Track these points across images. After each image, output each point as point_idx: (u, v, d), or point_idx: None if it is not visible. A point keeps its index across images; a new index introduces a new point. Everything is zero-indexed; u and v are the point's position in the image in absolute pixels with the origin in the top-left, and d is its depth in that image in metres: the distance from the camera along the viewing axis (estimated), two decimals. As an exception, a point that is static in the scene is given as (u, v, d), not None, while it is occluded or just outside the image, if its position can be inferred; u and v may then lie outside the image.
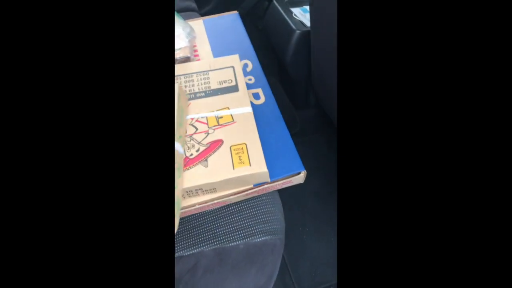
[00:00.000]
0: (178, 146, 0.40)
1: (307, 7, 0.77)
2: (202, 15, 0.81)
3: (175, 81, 0.49)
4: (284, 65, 0.80)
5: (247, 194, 0.43)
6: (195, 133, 0.43)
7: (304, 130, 0.92)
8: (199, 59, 0.57)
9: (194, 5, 0.76)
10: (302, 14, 0.74)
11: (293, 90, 0.92)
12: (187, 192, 0.40)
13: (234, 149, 0.42)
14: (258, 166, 0.40)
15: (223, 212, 0.44)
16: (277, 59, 0.92)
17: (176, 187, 0.37)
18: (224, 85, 0.48)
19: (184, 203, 0.41)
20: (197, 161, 0.41)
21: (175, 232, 0.36)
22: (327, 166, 0.86)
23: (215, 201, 0.42)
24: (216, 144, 0.42)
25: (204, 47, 0.59)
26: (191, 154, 0.41)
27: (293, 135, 0.47)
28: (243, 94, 0.47)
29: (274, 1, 0.79)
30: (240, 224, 0.43)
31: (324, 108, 0.73)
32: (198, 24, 0.63)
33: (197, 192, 0.41)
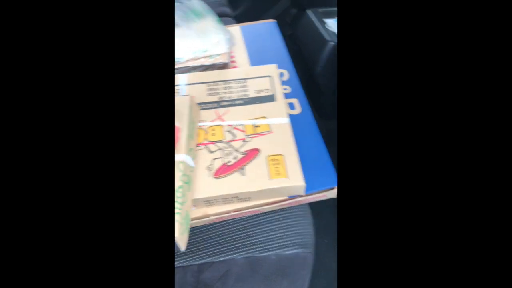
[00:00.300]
0: (188, 159, 0.40)
1: (342, 19, 0.77)
2: (235, 18, 0.82)
3: (213, 87, 0.50)
4: (313, 75, 0.80)
5: (280, 205, 0.43)
6: (232, 140, 0.44)
7: (329, 141, 0.91)
8: (235, 66, 0.57)
9: (229, 10, 0.77)
10: (336, 26, 0.74)
11: (318, 99, 0.91)
12: (222, 199, 0.41)
13: (271, 159, 0.42)
14: (295, 179, 0.40)
15: (256, 221, 0.44)
16: (305, 68, 0.92)
17: (186, 201, 0.37)
18: (262, 94, 0.49)
19: (219, 210, 0.42)
20: (235, 169, 0.41)
21: (183, 248, 0.35)
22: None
23: (249, 210, 0.42)
24: (253, 153, 0.42)
25: (241, 54, 0.59)
26: (229, 161, 0.42)
27: None
28: (281, 104, 0.47)
29: (308, 11, 0.79)
30: (272, 235, 0.43)
31: None
32: (235, 31, 0.63)
33: (232, 200, 0.41)
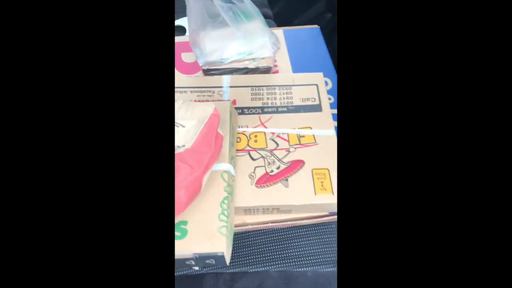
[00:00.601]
0: (231, 168, 0.38)
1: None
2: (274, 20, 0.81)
3: (256, 91, 0.49)
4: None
5: (320, 220, 0.42)
6: (276, 149, 0.43)
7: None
8: (277, 71, 0.56)
9: (270, 12, 0.75)
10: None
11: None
12: (263, 209, 0.39)
13: (316, 173, 0.40)
14: (342, 195, 0.38)
15: (293, 234, 0.42)
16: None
17: (231, 213, 0.36)
18: (307, 102, 0.47)
19: (257, 219, 0.40)
20: (278, 179, 0.40)
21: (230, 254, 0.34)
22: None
23: (288, 222, 0.41)
24: (298, 165, 0.41)
25: (283, 59, 0.58)
26: (272, 171, 0.41)
27: None
28: (327, 115, 0.46)
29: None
30: (309, 250, 0.41)
31: None
32: (278, 34, 0.62)
33: (272, 211, 0.40)
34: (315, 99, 0.47)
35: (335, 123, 0.48)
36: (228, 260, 0.33)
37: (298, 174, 0.40)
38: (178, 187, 0.32)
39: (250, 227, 0.41)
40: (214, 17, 0.47)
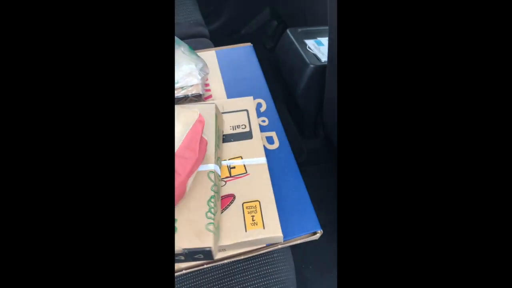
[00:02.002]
0: (217, 168, 0.40)
1: (322, 40, 0.75)
2: (211, 33, 0.79)
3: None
4: (294, 96, 0.78)
5: (257, 252, 0.40)
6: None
7: (310, 160, 0.89)
8: (210, 95, 0.54)
9: (206, 31, 0.74)
10: (316, 47, 0.72)
11: (301, 119, 0.89)
12: (195, 252, 0.38)
13: (246, 207, 0.39)
14: (272, 229, 0.37)
15: (232, 269, 0.41)
16: (285, 87, 0.90)
17: (217, 211, 0.37)
18: (238, 130, 0.46)
19: (190, 263, 0.39)
20: (208, 219, 0.38)
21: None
22: (334, 198, 0.83)
23: (224, 261, 0.39)
24: (228, 200, 0.40)
25: (216, 81, 0.56)
26: (201, 210, 0.39)
27: (299, 164, 0.44)
28: (258, 142, 0.45)
29: (288, 31, 0.77)
30: (252, 284, 0.40)
31: (333, 140, 0.71)
32: (211, 56, 0.60)
33: (205, 252, 0.38)
34: (245, 125, 0.46)
35: (269, 146, 0.47)
36: (215, 254, 0.35)
37: (229, 210, 0.39)
38: None
39: (184, 271, 0.39)
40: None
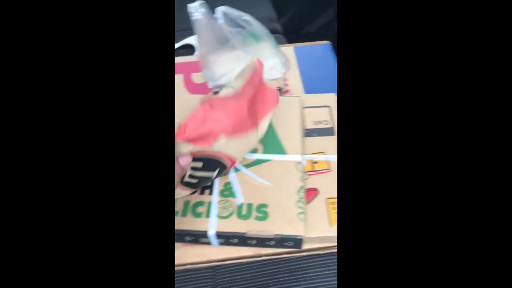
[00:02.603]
0: (303, 160, 0.41)
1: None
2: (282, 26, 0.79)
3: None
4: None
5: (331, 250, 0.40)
6: (288, 176, 0.41)
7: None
8: (288, 91, 0.55)
9: (279, 27, 0.75)
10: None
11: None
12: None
13: (330, 202, 0.39)
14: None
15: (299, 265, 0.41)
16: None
17: (304, 203, 0.38)
18: (320, 125, 0.46)
19: (269, 250, 0.39)
20: (291, 210, 0.39)
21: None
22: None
23: (303, 253, 0.40)
24: (311, 194, 0.40)
25: (294, 78, 0.57)
26: (285, 201, 0.39)
27: None
28: (341, 139, 0.44)
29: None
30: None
31: None
32: (288, 51, 0.61)
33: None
34: (327, 121, 0.46)
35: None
36: (304, 244, 0.36)
37: (312, 204, 0.39)
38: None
39: (265, 258, 0.40)
40: (224, 41, 0.47)
